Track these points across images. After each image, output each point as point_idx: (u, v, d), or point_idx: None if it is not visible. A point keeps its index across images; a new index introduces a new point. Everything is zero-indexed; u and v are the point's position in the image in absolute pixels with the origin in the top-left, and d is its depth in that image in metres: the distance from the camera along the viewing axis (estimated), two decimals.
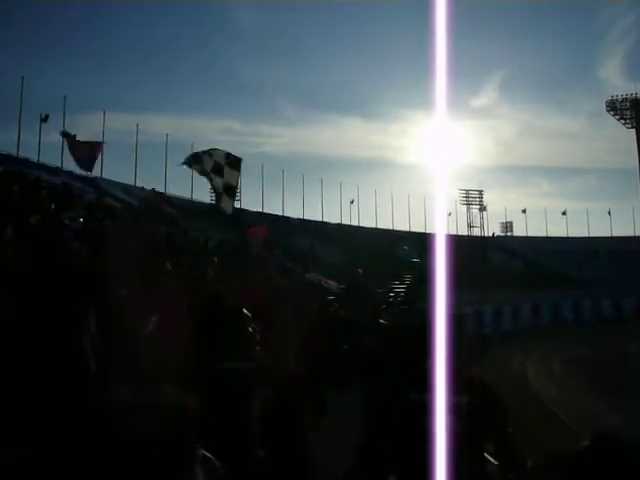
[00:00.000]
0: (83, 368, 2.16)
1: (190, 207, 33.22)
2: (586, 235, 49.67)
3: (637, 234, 49.96)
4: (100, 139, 28.54)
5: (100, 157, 26.59)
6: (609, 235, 49.09)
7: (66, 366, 2.08)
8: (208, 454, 1.23)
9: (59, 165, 27.61)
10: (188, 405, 1.18)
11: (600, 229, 54.92)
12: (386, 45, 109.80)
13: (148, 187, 32.86)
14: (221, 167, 7.88)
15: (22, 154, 26.95)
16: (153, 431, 1.11)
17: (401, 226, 46.31)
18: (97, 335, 2.57)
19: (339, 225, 42.78)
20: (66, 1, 79.79)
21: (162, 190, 34.39)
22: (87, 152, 23.43)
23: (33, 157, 27.59)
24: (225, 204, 8.40)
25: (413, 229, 45.11)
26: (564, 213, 50.73)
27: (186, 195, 37.01)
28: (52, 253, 2.84)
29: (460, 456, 1.55)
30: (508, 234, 50.85)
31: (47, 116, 29.60)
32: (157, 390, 1.21)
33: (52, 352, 2.08)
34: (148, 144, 40.36)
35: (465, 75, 62.13)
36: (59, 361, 2.07)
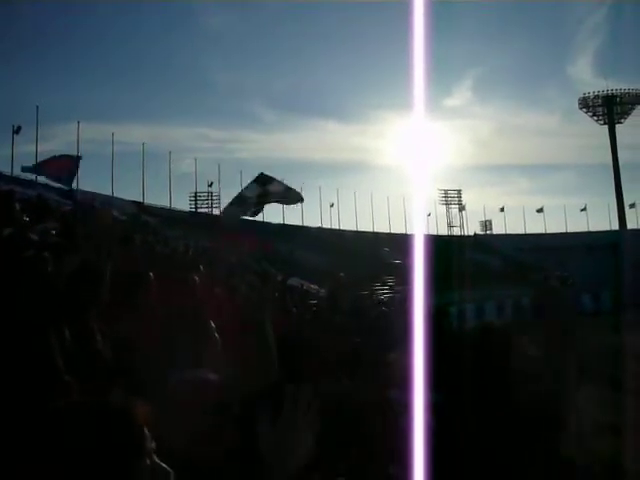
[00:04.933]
0: (57, 383, 2.12)
1: (169, 216, 32.99)
2: (563, 231, 50.43)
3: (613, 228, 50.87)
4: (75, 150, 28.23)
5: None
6: (586, 230, 49.87)
7: (37, 380, 2.04)
8: (161, 463, 1.19)
9: (34, 178, 27.19)
10: (135, 411, 1.15)
11: (577, 224, 55.84)
12: (361, 47, 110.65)
13: (126, 197, 32.72)
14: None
15: None
16: (90, 440, 1.08)
17: (381, 228, 46.60)
18: (74, 348, 2.52)
19: (320, 229, 42.81)
20: (37, 11, 78.95)
21: (140, 199, 34.21)
22: (63, 166, 22.62)
23: (6, 170, 27.16)
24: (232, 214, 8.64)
25: (393, 230, 45.39)
26: (540, 210, 51.42)
27: (164, 204, 36.79)
28: (21, 267, 2.78)
29: (437, 454, 1.55)
30: (487, 232, 51.37)
31: (20, 127, 29.20)
32: (104, 395, 1.18)
33: (22, 366, 2.04)
34: (124, 154, 40.17)
35: (439, 75, 62.74)
36: (30, 375, 2.03)
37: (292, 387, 1.36)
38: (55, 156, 23.48)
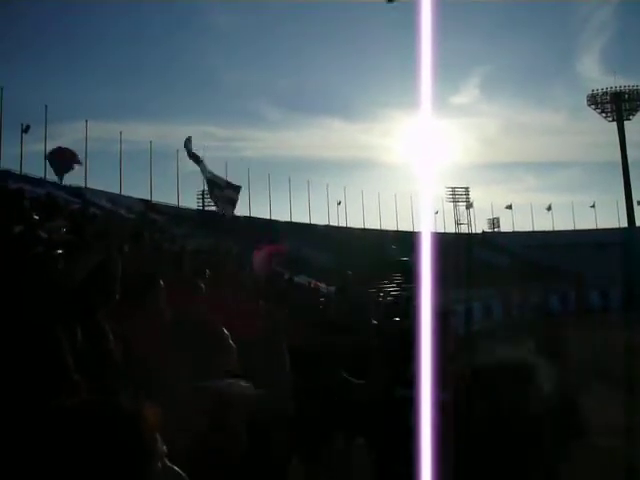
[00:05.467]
0: (66, 383, 2.13)
1: (177, 214, 33.10)
2: (572, 228, 50.16)
3: (622, 225, 50.57)
4: (82, 148, 28.53)
5: (84, 166, 26.59)
6: (594, 227, 49.60)
7: (45, 379, 2.05)
8: (173, 467, 1.19)
9: (42, 176, 27.37)
10: (145, 415, 1.15)
11: (585, 222, 55.61)
12: (367, 46, 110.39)
13: (134, 195, 32.85)
14: (220, 187, 8.25)
15: (4, 166, 26.63)
16: (101, 442, 1.07)
17: (389, 226, 46.53)
18: (85, 348, 2.54)
19: (327, 227, 42.80)
20: (44, 10, 79.34)
21: (148, 197, 34.31)
22: (64, 158, 23.75)
23: (15, 168, 27.31)
24: (227, 210, 8.57)
25: (401, 228, 45.29)
26: (549, 208, 51.19)
27: (172, 202, 36.88)
28: (31, 264, 2.80)
29: (445, 450, 1.56)
30: (495, 230, 51.18)
31: (28, 126, 29.29)
32: (112, 400, 1.18)
33: (30, 365, 2.05)
34: (132, 152, 40.24)
35: (446, 73, 62.54)
36: (38, 373, 2.04)
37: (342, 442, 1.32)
38: (61, 147, 24.26)
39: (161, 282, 3.27)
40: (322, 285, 18.51)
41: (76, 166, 24.35)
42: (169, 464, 1.16)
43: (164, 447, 1.15)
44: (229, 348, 2.38)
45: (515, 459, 1.80)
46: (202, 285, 4.59)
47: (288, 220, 40.91)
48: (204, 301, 4.18)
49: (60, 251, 3.05)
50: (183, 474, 1.19)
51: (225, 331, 2.42)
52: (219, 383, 1.99)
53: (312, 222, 42.72)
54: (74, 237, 5.12)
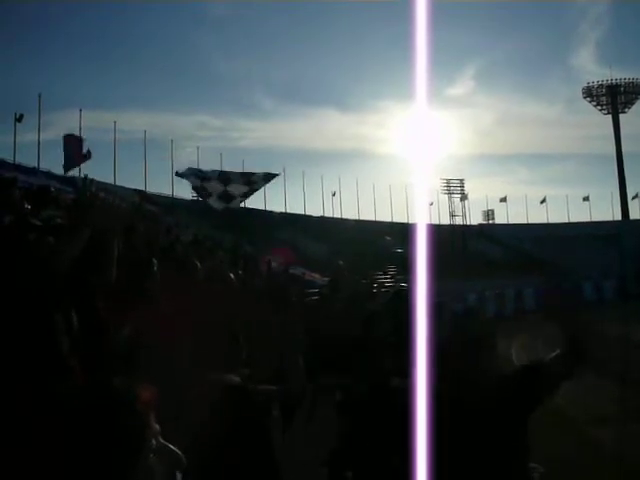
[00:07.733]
0: (61, 367, 2.13)
1: (171, 204, 33.00)
2: (566, 221, 50.31)
3: (615, 218, 50.77)
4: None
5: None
6: (588, 220, 49.76)
7: (42, 365, 2.05)
8: (168, 444, 1.21)
9: (36, 165, 27.23)
10: (139, 396, 1.16)
11: (579, 214, 55.84)
12: (362, 36, 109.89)
13: (128, 185, 32.69)
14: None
15: None
16: (101, 422, 1.09)
17: (383, 217, 46.56)
18: (80, 333, 2.54)
19: (321, 218, 42.77)
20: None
21: (142, 187, 34.17)
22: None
23: (9, 158, 27.11)
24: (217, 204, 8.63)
25: (395, 220, 45.32)
26: (543, 201, 51.26)
27: (167, 192, 36.72)
28: (23, 252, 2.79)
29: (442, 441, 1.57)
30: (490, 222, 51.24)
31: (22, 115, 29.04)
32: (109, 382, 1.19)
33: (26, 351, 2.05)
34: (126, 141, 40.01)
35: (441, 64, 62.43)
36: (35, 361, 2.04)
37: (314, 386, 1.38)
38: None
39: (155, 268, 3.28)
40: (316, 276, 18.54)
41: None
42: (163, 442, 1.18)
43: (157, 426, 1.17)
44: (241, 345, 2.60)
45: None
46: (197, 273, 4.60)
47: (283, 211, 40.85)
48: (199, 290, 4.19)
49: (52, 238, 3.04)
50: (178, 451, 1.21)
51: (239, 331, 2.59)
52: (229, 377, 2.09)
53: (307, 213, 42.70)
54: (64, 222, 5.07)
